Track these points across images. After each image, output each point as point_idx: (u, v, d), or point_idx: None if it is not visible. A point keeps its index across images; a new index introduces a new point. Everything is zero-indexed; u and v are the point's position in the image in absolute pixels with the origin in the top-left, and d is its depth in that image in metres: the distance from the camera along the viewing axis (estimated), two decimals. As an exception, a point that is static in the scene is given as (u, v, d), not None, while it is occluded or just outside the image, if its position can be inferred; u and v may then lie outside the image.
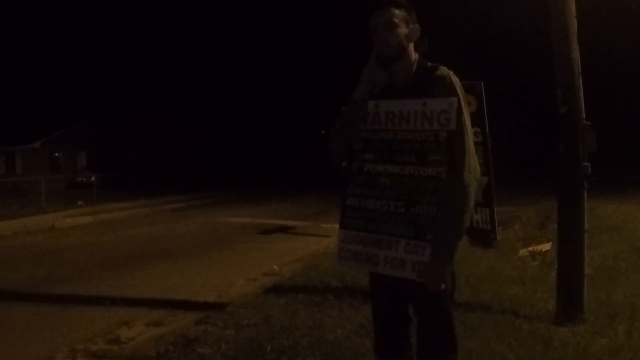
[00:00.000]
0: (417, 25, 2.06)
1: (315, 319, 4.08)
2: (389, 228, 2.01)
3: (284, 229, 10.99)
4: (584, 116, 3.91)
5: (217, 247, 9.08)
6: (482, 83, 2.60)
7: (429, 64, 2.05)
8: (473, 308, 4.18)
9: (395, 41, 2.00)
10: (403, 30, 2.02)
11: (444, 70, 2.00)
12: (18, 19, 51.57)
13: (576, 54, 3.91)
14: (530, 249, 6.57)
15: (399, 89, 2.05)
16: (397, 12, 2.02)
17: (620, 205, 10.81)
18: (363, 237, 2.08)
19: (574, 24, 3.91)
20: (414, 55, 2.07)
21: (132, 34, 42.66)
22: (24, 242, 10.51)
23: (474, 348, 3.30)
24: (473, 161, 1.95)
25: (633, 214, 9.47)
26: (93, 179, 23.70)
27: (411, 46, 2.06)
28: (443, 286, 1.94)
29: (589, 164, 3.87)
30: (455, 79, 1.98)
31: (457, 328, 3.60)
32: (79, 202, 18.68)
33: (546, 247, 6.55)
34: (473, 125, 2.10)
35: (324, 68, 37.49)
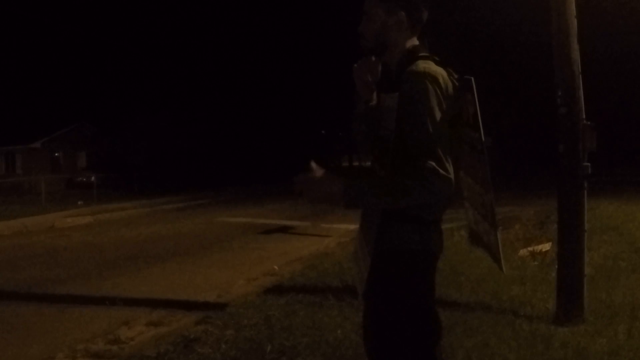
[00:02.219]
0: (401, 13, 1.82)
1: (315, 319, 4.08)
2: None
3: (284, 229, 10.98)
4: (584, 116, 3.90)
5: (217, 247, 9.08)
6: (472, 79, 2.33)
7: (418, 55, 1.82)
8: (473, 308, 4.18)
9: (371, 33, 1.86)
10: (381, 20, 1.83)
11: (416, 66, 1.76)
12: (18, 18, 51.56)
13: (576, 54, 3.91)
14: (530, 249, 6.57)
15: (392, 81, 1.86)
16: (378, 2, 1.84)
17: (620, 205, 10.80)
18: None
19: (574, 24, 3.91)
20: (404, 45, 1.86)
21: (132, 34, 42.67)
22: (24, 242, 10.51)
23: (474, 348, 3.30)
24: (433, 154, 1.64)
25: (633, 214, 9.46)
26: (93, 179, 23.72)
27: (401, 35, 1.85)
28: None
29: (589, 163, 3.87)
30: (416, 76, 1.72)
31: (457, 328, 3.63)
32: (79, 202, 18.70)
33: (546, 247, 6.54)
34: (468, 125, 1.86)
35: (325, 68, 37.51)
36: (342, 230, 9.82)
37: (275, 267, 6.61)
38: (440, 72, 1.78)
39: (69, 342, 4.14)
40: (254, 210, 15.65)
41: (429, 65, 1.77)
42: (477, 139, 1.82)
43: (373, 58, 1.89)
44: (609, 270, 5.23)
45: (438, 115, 1.71)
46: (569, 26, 3.89)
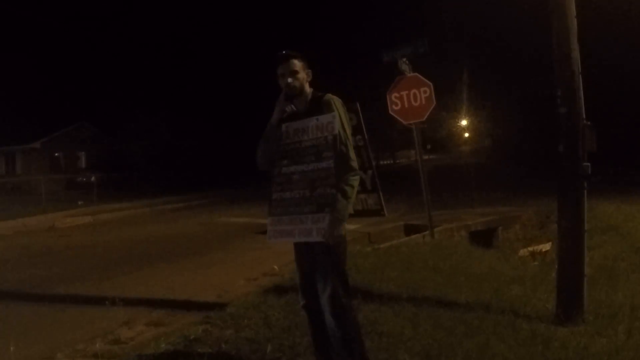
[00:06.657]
0: (309, 70, 2.91)
1: (315, 319, 4.07)
2: (301, 209, 2.80)
3: (284, 229, 10.95)
4: (584, 116, 3.91)
5: (217, 247, 9.08)
6: (357, 102, 3.88)
7: (319, 93, 2.88)
8: (473, 308, 4.18)
9: (298, 84, 2.87)
10: (302, 75, 2.88)
11: (327, 96, 2.83)
12: (18, 18, 51.54)
13: (576, 54, 3.91)
14: (530, 249, 6.58)
15: (301, 113, 2.91)
16: (297, 62, 2.88)
17: (620, 205, 10.80)
18: (284, 219, 2.87)
19: (574, 24, 3.92)
20: (309, 90, 2.93)
21: (132, 34, 42.66)
22: (24, 242, 10.51)
23: (474, 348, 3.30)
24: (353, 155, 2.77)
25: (633, 214, 9.47)
26: (93, 179, 23.67)
27: (307, 83, 2.91)
28: (337, 234, 2.66)
29: (589, 163, 3.87)
30: (337, 102, 2.82)
31: (457, 328, 3.64)
32: (79, 202, 18.69)
33: (546, 247, 6.56)
34: (355, 133, 3.10)
35: (324, 69, 37.47)
36: (342, 230, 9.79)
37: (275, 267, 6.61)
38: None
39: (69, 342, 4.14)
40: (254, 210, 15.62)
41: None
42: (361, 138, 3.63)
43: (284, 98, 2.90)
44: (609, 270, 5.24)
45: None
46: (569, 26, 3.89)
